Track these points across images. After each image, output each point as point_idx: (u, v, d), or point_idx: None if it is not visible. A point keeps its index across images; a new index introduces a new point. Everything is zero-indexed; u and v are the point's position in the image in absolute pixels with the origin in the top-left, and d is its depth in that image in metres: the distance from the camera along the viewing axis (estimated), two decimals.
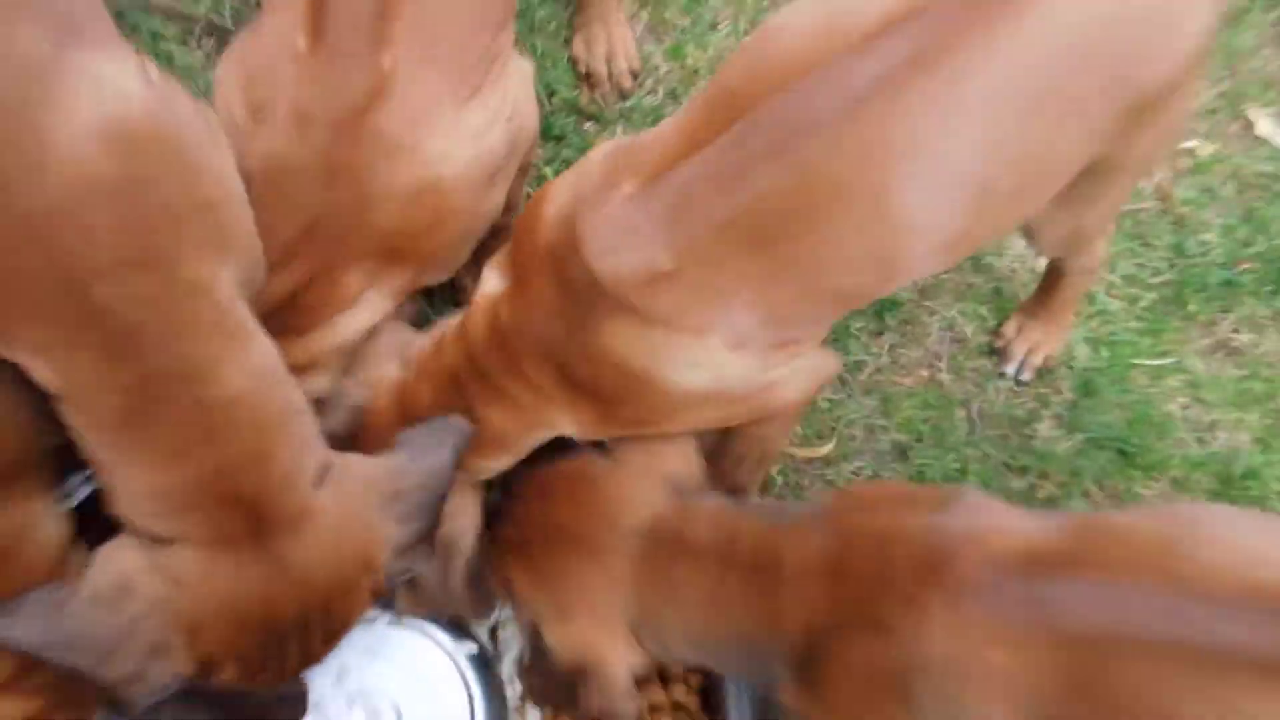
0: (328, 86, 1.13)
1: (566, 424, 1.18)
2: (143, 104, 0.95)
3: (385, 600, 1.20)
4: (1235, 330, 1.74)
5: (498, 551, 1.23)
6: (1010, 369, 1.67)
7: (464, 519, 1.24)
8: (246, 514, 1.01)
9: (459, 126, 1.18)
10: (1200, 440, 1.67)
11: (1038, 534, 0.98)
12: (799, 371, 1.17)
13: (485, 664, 1.42)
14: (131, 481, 1.00)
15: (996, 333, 1.70)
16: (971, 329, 1.72)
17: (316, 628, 1.07)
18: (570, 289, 1.08)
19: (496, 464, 1.23)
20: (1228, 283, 1.75)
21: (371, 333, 1.28)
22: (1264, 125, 1.84)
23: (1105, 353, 1.71)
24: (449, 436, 1.11)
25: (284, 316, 1.18)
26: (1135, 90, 1.02)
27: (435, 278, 1.31)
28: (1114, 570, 0.93)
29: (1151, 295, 1.74)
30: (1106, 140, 1.06)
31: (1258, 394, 1.69)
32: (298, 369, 1.13)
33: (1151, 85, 1.02)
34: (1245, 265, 1.76)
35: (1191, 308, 1.74)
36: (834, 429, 1.65)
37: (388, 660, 1.41)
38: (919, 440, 1.66)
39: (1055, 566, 0.95)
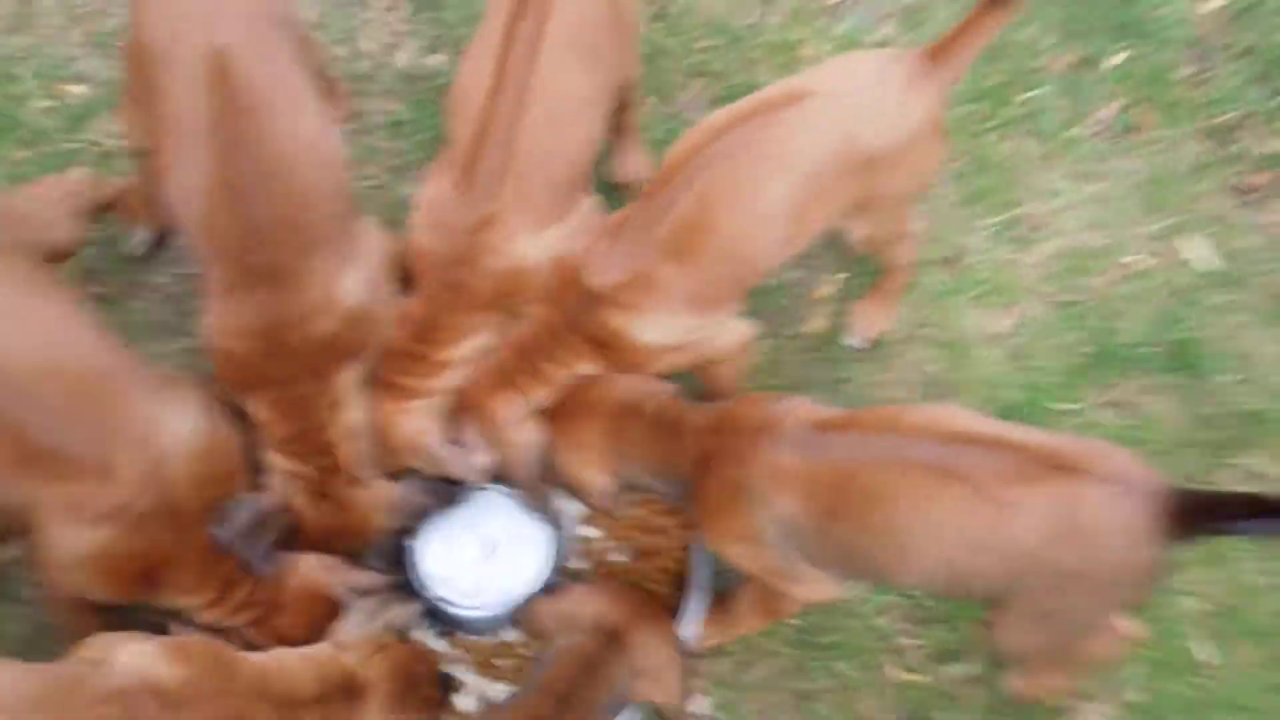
0: (461, 213, 1.91)
1: (589, 369, 1.99)
2: (362, 297, 1.93)
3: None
4: (1133, 394, 2.35)
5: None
6: (852, 341, 2.36)
7: (532, 434, 2.03)
8: None
9: (535, 242, 1.97)
10: None
11: (829, 413, 1.74)
12: (723, 330, 1.99)
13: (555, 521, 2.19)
14: None
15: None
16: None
17: None
18: (580, 297, 1.91)
19: (548, 397, 2.02)
20: (1134, 359, 2.37)
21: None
22: (1191, 250, 2.47)
23: (1028, 395, 2.35)
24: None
25: (427, 336, 1.99)
26: (865, 157, 1.81)
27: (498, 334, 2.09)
28: (864, 428, 1.67)
29: (1075, 361, 2.38)
30: (857, 192, 1.85)
31: (1136, 439, 2.28)
32: (440, 366, 1.98)
33: (879, 152, 1.81)
34: (1153, 348, 2.38)
35: (1100, 372, 2.36)
36: None
37: (493, 512, 2.19)
38: None
39: (833, 427, 1.70)
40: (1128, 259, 2.48)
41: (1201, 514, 1.62)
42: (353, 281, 1.91)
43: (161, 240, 2.38)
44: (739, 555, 1.85)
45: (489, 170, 1.89)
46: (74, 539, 1.76)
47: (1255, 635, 2.20)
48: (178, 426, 1.82)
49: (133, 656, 1.68)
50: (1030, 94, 2.61)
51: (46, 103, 2.50)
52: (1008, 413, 2.30)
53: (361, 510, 2.01)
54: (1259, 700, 2.15)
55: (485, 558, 2.14)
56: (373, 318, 1.95)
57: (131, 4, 1.90)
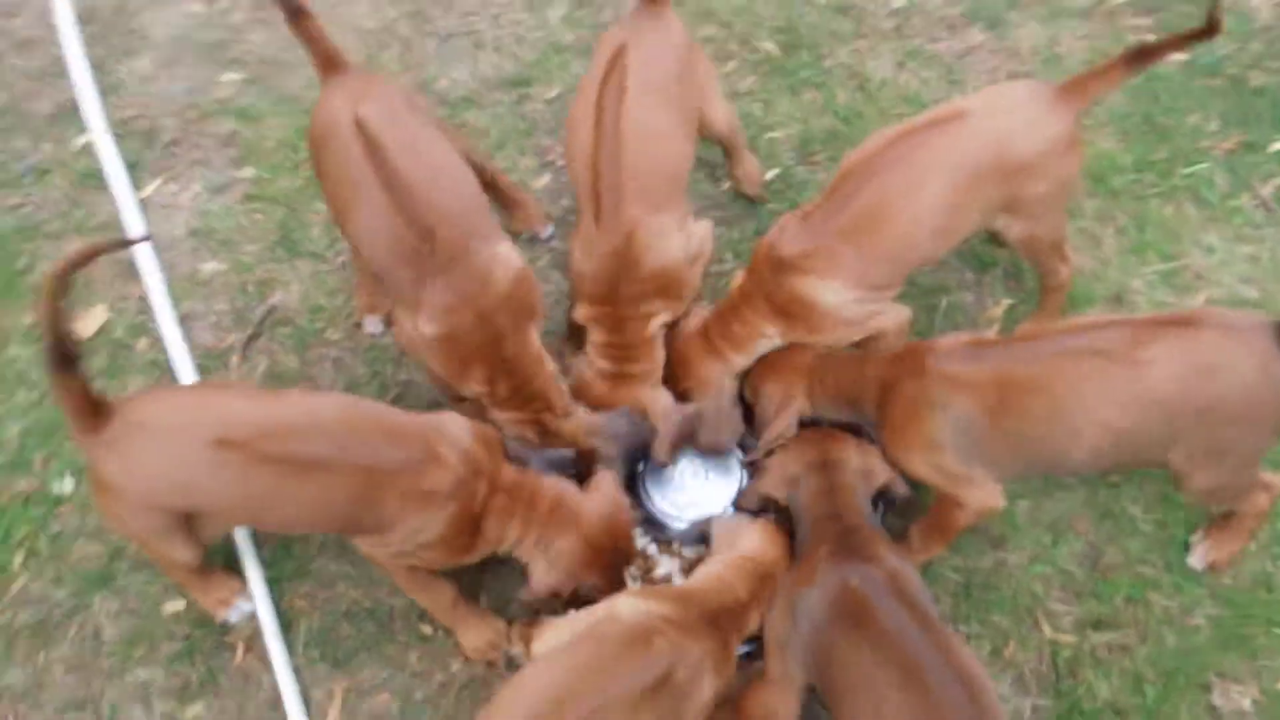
0: (606, 237, 2.36)
1: (774, 334, 2.43)
2: (520, 262, 2.34)
3: None
4: None
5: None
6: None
7: (730, 391, 2.50)
8: None
9: (677, 238, 2.44)
10: None
11: (981, 334, 2.18)
12: (888, 311, 2.40)
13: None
14: None
15: None
16: None
17: None
18: (771, 265, 2.37)
19: (744, 362, 2.48)
20: None
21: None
22: None
23: None
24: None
25: (610, 324, 2.44)
26: (1014, 164, 2.25)
27: (679, 309, 2.53)
28: (1012, 340, 2.11)
29: None
30: (1005, 192, 2.27)
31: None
32: (631, 347, 2.46)
33: (1025, 159, 2.24)
34: None
35: None
36: None
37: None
38: None
39: (987, 344, 2.13)
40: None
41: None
42: (506, 250, 2.35)
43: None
44: (922, 463, 2.21)
45: (612, 195, 2.35)
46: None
47: None
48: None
49: (629, 604, 2.07)
50: (1193, 168, 2.97)
51: None
52: None
53: (574, 434, 2.45)
54: None
55: (695, 482, 2.58)
56: (532, 277, 2.39)
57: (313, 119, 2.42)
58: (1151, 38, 3.18)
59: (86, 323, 2.95)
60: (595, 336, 2.52)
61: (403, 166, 2.24)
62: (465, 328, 2.29)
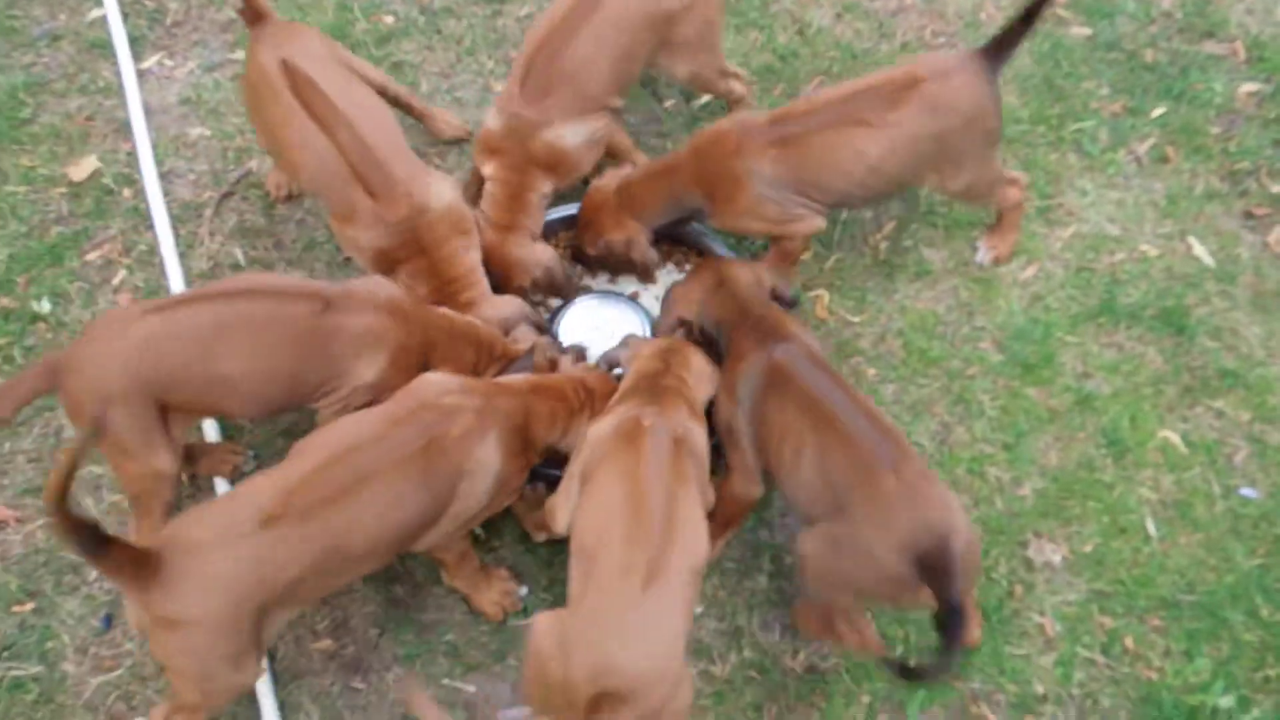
0: (519, 103, 2.77)
1: (697, 203, 2.77)
2: (452, 194, 2.72)
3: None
4: (1126, 339, 2.93)
5: None
6: (980, 257, 3.04)
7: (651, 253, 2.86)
8: None
9: (571, 129, 2.83)
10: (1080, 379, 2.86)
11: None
12: (807, 219, 2.73)
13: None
14: None
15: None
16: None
17: None
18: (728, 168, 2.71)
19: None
20: (1132, 315, 2.96)
21: None
22: (1194, 248, 3.07)
23: (1040, 326, 2.96)
24: None
25: (515, 185, 2.83)
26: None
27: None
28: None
29: (1081, 309, 2.99)
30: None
31: (1124, 371, 2.85)
32: (531, 205, 2.84)
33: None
34: (1149, 312, 2.96)
35: (1101, 320, 2.96)
36: None
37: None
38: None
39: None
40: (1138, 247, 3.10)
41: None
42: (438, 186, 2.65)
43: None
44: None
45: (539, 76, 2.75)
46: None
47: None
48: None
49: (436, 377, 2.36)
50: (1080, 125, 3.32)
51: (364, 25, 3.58)
52: (1021, 335, 2.93)
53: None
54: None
55: (601, 328, 2.91)
56: (461, 208, 2.70)
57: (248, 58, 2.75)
58: (1066, 14, 3.55)
59: (79, 169, 3.28)
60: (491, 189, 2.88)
61: (330, 100, 2.54)
62: (394, 243, 2.63)
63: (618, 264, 2.91)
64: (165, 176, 3.28)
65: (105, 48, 3.52)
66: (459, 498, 2.25)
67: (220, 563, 2.02)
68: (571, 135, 2.81)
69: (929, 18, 3.60)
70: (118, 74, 3.46)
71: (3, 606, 2.62)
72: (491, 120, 2.86)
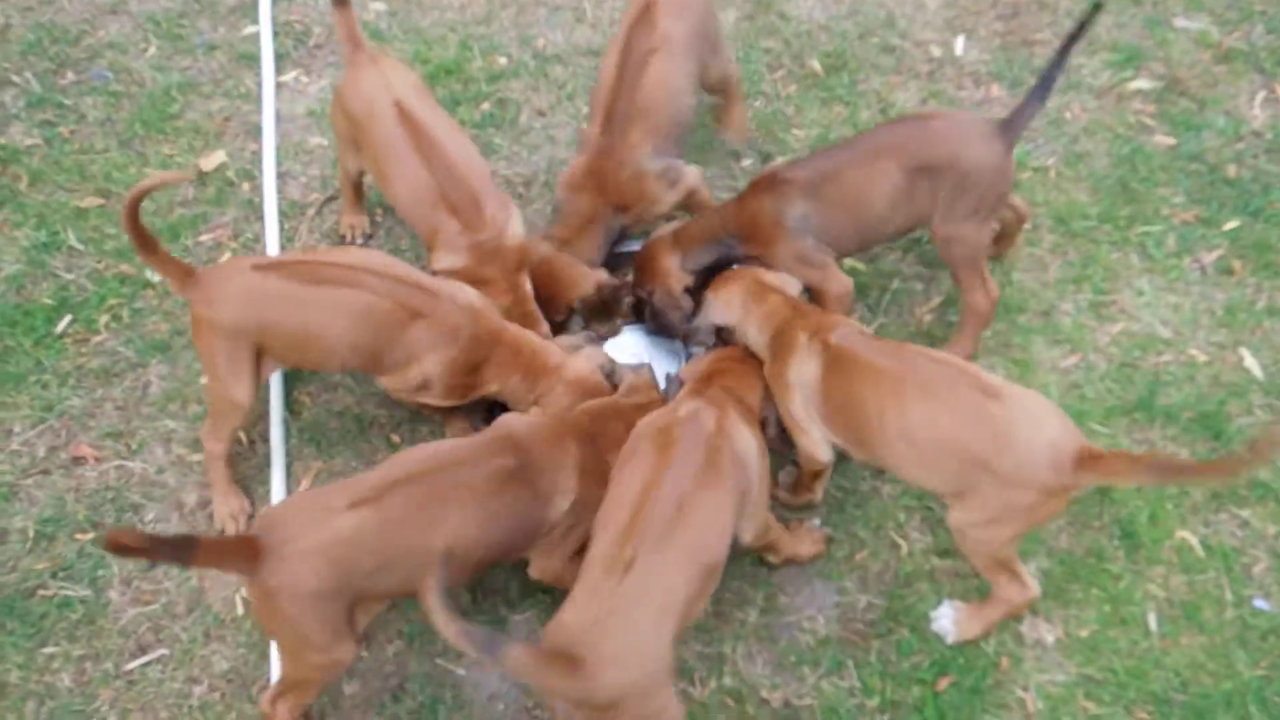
0: (601, 140, 3.04)
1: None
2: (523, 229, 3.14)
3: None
4: (1160, 438, 2.93)
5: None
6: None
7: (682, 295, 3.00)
8: None
9: (654, 162, 3.03)
10: None
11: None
12: (836, 274, 2.87)
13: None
14: None
15: None
16: None
17: None
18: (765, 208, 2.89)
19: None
20: (1169, 415, 2.95)
21: None
22: (1244, 359, 3.06)
23: (1073, 413, 2.98)
24: None
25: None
26: None
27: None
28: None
29: (1117, 403, 3.00)
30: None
31: None
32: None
33: None
34: (1187, 414, 2.95)
35: (1137, 416, 2.96)
36: None
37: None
38: None
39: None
40: (1187, 351, 3.10)
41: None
42: (516, 224, 2.91)
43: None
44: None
45: (620, 114, 2.96)
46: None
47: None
48: None
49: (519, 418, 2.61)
50: (1148, 228, 3.35)
51: (480, 63, 3.89)
52: None
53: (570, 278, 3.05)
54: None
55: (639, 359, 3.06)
56: (534, 245, 2.98)
57: (335, 95, 3.06)
58: (1151, 122, 3.60)
59: (208, 161, 3.65)
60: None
61: (434, 139, 2.87)
62: (473, 267, 2.87)
63: (656, 317, 3.05)
64: (281, 177, 3.61)
65: (253, 60, 3.91)
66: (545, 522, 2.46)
67: (313, 535, 2.23)
68: (647, 170, 3.01)
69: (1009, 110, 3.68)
70: (259, 84, 3.84)
71: (68, 532, 2.90)
72: (575, 159, 3.10)
